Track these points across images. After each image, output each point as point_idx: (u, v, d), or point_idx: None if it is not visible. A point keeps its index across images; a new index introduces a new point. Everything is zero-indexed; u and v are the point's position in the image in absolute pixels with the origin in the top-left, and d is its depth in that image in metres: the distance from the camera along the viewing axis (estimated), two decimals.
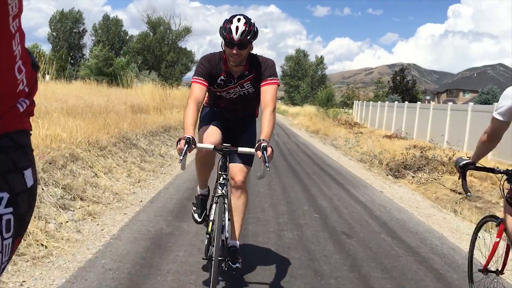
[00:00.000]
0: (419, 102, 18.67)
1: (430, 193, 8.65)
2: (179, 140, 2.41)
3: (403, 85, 27.55)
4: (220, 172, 2.67)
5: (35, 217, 3.39)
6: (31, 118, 0.90)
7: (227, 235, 2.68)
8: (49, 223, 3.52)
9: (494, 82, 60.77)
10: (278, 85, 2.81)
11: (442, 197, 8.39)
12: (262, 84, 2.72)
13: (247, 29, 2.55)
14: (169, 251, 3.38)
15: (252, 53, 2.77)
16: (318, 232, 4.34)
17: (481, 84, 53.59)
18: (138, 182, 5.68)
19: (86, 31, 75.06)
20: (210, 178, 3.01)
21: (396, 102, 20.79)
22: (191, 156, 2.75)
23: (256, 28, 2.65)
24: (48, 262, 2.96)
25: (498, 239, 2.69)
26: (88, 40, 75.13)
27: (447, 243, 4.52)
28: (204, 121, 2.93)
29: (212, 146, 2.58)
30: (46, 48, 69.02)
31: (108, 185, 4.94)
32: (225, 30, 2.56)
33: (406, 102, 19.88)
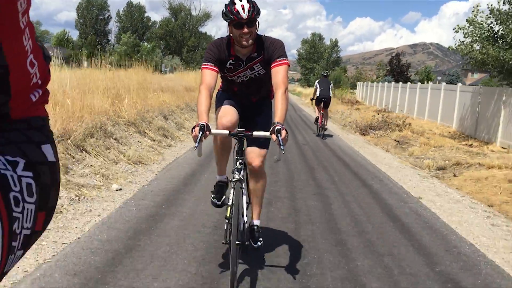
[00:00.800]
0: (400, 83, 23.47)
1: (379, 142, 13.69)
2: (194, 127, 2.49)
3: (398, 68, 32.36)
4: (236, 157, 2.77)
5: (172, 133, 8.73)
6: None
7: (245, 219, 2.77)
8: (171, 137, 8.85)
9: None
10: (289, 65, 2.83)
11: (385, 143, 13.44)
12: (272, 65, 2.77)
13: (251, 5, 2.66)
14: None
15: (259, 34, 2.83)
16: (290, 144, 9.57)
17: None
18: None
19: (111, 17, 79.92)
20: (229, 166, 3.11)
21: (386, 83, 25.66)
22: (207, 143, 2.88)
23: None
24: (173, 149, 8.30)
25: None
26: (113, 26, 79.84)
27: (360, 156, 9.69)
28: (220, 101, 3.06)
29: (227, 132, 2.67)
30: (73, 34, 74.09)
31: (190, 125, 10.28)
32: (231, 13, 2.66)
33: (393, 83, 24.75)
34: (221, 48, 2.82)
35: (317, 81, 11.81)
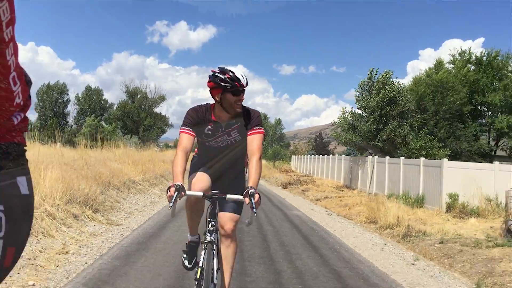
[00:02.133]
0: (317, 156, 33.42)
1: (292, 192, 22.75)
2: (169, 187, 2.62)
3: (321, 144, 43.03)
4: (209, 219, 2.90)
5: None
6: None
7: (215, 282, 2.88)
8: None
9: None
10: (264, 135, 3.05)
11: (295, 192, 22.52)
12: (249, 133, 2.98)
13: (244, 75, 2.91)
14: None
15: None
16: None
17: None
18: None
19: (70, 100, 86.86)
20: (201, 226, 3.25)
21: (309, 156, 35.69)
22: (181, 203, 3.14)
23: None
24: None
25: None
26: (71, 108, 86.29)
27: (273, 193, 18.65)
28: (194, 167, 3.25)
29: (201, 194, 2.79)
30: (32, 116, 79.36)
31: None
32: (231, 79, 2.83)
33: (313, 156, 34.74)
34: (201, 113, 3.02)
35: None
